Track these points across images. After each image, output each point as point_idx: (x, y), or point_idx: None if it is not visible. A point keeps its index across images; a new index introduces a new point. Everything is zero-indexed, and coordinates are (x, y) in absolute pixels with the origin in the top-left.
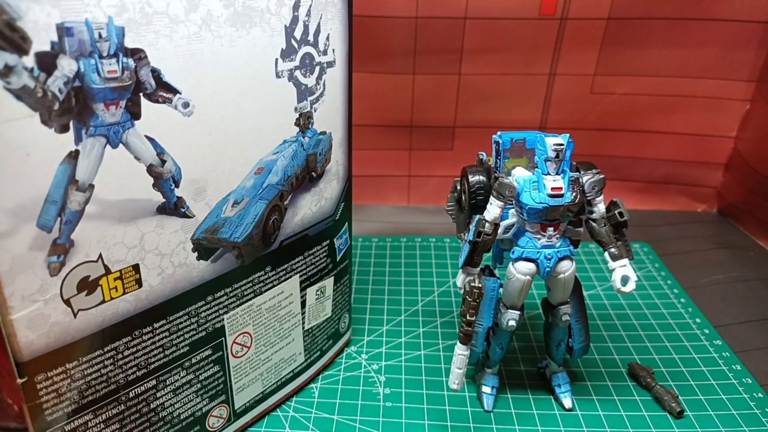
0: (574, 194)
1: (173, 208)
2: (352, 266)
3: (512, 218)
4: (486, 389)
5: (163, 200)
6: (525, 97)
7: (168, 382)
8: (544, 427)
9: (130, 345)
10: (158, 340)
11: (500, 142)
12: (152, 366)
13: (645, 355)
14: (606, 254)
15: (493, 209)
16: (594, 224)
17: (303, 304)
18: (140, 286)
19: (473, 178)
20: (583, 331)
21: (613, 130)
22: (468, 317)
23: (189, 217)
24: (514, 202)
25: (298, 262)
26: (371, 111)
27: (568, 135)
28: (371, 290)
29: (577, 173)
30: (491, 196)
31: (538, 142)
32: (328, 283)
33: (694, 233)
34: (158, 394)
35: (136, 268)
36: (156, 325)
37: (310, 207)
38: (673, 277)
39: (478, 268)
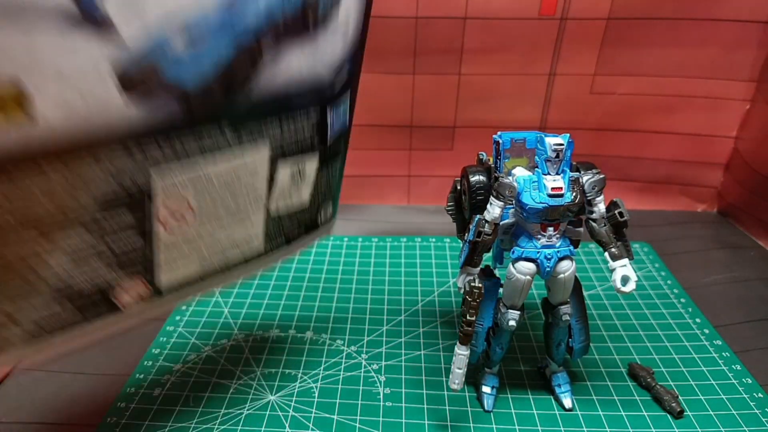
0: (574, 194)
1: (89, 14)
2: (346, 150)
3: (512, 218)
4: (486, 389)
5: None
6: (525, 97)
7: (64, 244)
8: (544, 427)
9: (11, 194)
10: (53, 190)
11: (500, 142)
12: (42, 222)
13: (645, 355)
14: (606, 254)
15: (493, 209)
16: (594, 224)
17: (271, 180)
18: (32, 119)
19: (473, 178)
20: (583, 331)
21: (613, 130)
22: (468, 317)
23: (114, 35)
24: (514, 202)
25: (272, 124)
26: (371, 111)
27: (568, 135)
28: (371, 290)
29: (577, 173)
30: (491, 196)
31: (538, 142)
32: (311, 162)
33: (694, 233)
34: (50, 258)
35: (21, 92)
36: (51, 171)
37: (299, 67)
38: (673, 277)
39: (478, 268)
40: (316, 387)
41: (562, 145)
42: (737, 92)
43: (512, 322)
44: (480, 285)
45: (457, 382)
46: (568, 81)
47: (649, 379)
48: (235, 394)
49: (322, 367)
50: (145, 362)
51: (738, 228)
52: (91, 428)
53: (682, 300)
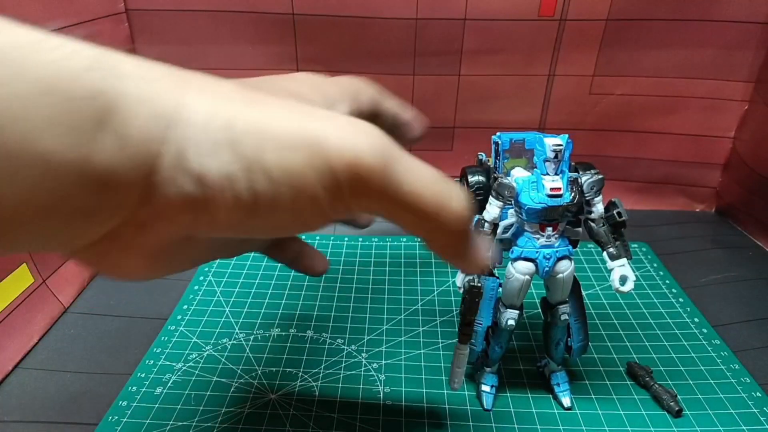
0: (572, 194)
1: None
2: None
3: (511, 218)
4: (485, 388)
5: None
6: (524, 97)
7: None
8: (543, 426)
9: None
10: None
11: (499, 142)
12: None
13: (643, 355)
14: (605, 254)
15: (492, 209)
16: (593, 224)
17: None
18: None
19: (473, 179)
20: (581, 331)
21: (611, 130)
22: (467, 317)
23: None
24: (513, 202)
25: None
26: None
27: (566, 135)
28: (371, 290)
29: (576, 173)
30: (490, 196)
31: (537, 143)
32: None
33: (692, 233)
34: None
35: None
36: None
37: None
38: (672, 276)
39: None
40: (317, 386)
41: (560, 145)
42: (735, 93)
43: (511, 322)
44: (479, 285)
45: (456, 381)
46: (567, 82)
47: (647, 378)
48: (235, 393)
49: (322, 366)
50: (147, 361)
51: (736, 228)
52: (92, 427)
53: (681, 299)
